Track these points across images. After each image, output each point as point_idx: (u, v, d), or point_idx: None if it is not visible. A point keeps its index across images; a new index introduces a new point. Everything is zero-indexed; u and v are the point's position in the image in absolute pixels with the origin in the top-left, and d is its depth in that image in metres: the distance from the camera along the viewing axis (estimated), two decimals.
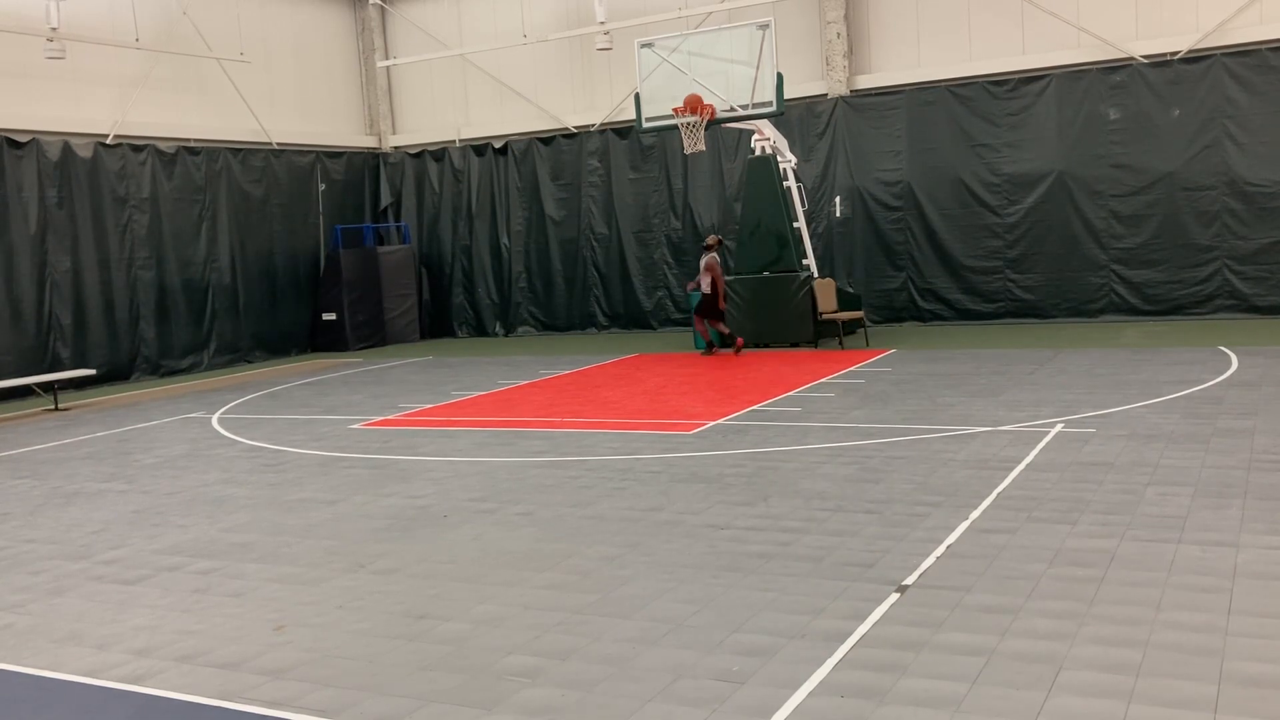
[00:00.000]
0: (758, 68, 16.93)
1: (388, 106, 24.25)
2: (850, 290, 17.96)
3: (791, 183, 17.96)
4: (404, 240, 23.75)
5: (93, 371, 17.29)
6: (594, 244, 21.98)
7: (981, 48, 18.80)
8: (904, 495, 7.57)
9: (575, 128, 22.10)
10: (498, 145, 22.76)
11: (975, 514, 6.97)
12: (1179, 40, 17.33)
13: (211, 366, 19.93)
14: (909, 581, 5.78)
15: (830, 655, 4.88)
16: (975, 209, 18.66)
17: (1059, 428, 9.51)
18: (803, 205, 18.28)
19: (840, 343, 16.80)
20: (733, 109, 17.15)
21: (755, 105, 17.06)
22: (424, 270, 23.68)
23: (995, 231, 18.57)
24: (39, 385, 16.14)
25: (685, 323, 20.33)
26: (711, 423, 10.92)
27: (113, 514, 8.71)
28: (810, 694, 4.51)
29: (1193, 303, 17.39)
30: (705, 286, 16.85)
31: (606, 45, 20.38)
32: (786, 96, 17.66)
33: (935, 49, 19.14)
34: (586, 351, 18.53)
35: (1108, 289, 17.93)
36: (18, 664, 5.50)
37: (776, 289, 17.20)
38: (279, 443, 11.51)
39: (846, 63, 19.53)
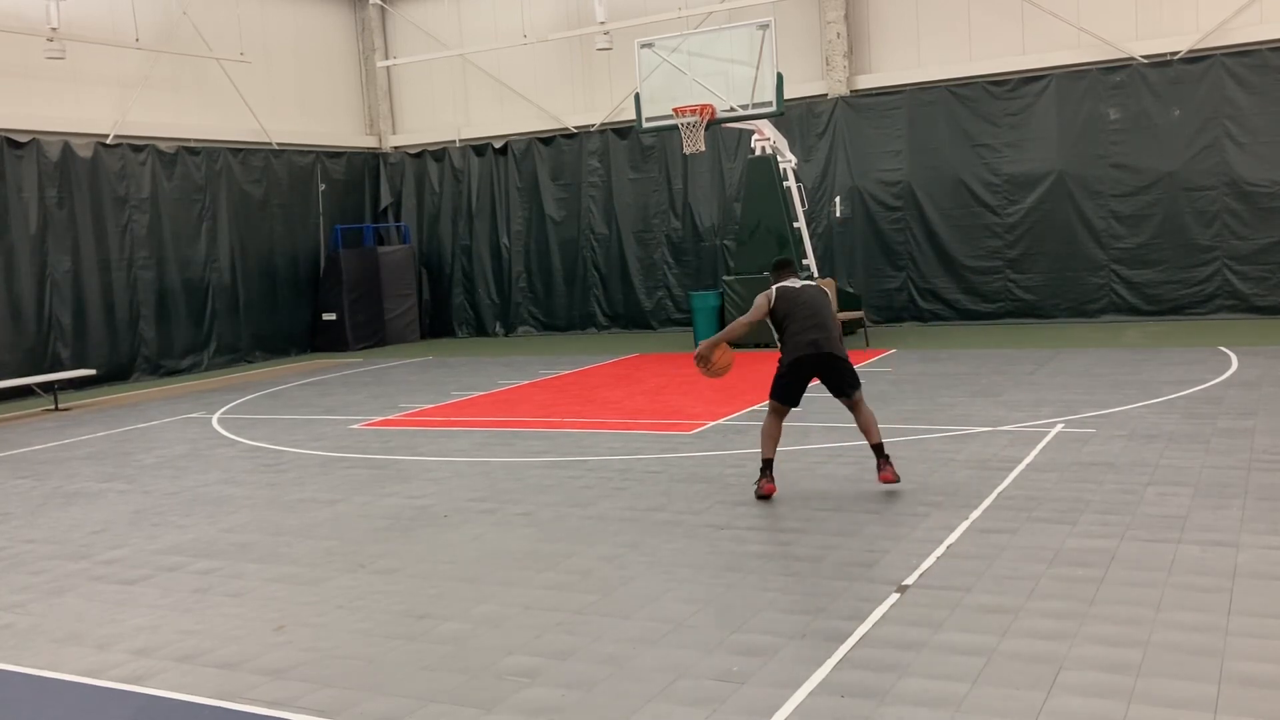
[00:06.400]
0: (758, 68, 16.92)
1: (388, 106, 24.25)
2: (850, 290, 17.95)
3: (791, 183, 17.95)
4: (404, 240, 23.74)
5: (93, 371, 17.29)
6: (594, 244, 21.97)
7: (981, 48, 18.79)
8: (904, 495, 7.57)
9: (575, 128, 22.10)
10: (498, 145, 22.75)
11: (975, 514, 6.97)
12: (1179, 40, 17.33)
13: (211, 366, 19.92)
14: (909, 581, 5.78)
15: (830, 655, 4.88)
16: (975, 209, 18.65)
17: (1059, 428, 9.50)
18: (803, 205, 18.26)
19: None
20: (733, 109, 17.15)
21: (755, 105, 17.05)
22: (424, 270, 23.67)
23: (995, 231, 18.56)
24: (39, 385, 16.14)
25: (685, 322, 20.32)
26: (711, 423, 10.92)
27: (113, 514, 8.71)
28: (810, 694, 4.51)
29: (1193, 303, 17.38)
30: None
31: (606, 45, 20.37)
32: (786, 96, 17.64)
33: (935, 49, 19.13)
34: (586, 351, 18.52)
35: (1108, 289, 17.92)
36: (18, 664, 5.49)
37: None
38: (279, 443, 11.51)
39: (846, 63, 19.53)
